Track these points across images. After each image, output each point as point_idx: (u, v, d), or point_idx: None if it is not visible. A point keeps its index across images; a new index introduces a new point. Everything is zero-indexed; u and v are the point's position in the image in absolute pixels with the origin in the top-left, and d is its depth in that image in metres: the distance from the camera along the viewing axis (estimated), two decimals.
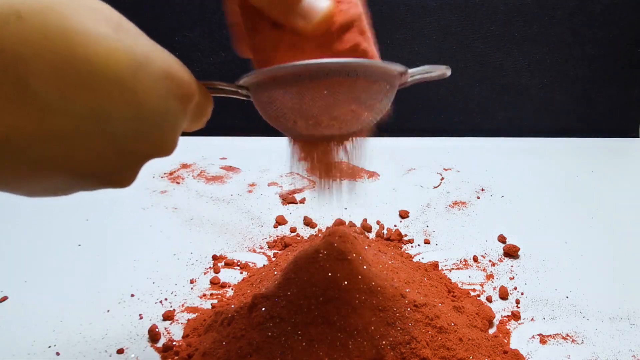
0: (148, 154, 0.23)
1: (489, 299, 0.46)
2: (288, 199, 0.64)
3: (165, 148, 0.24)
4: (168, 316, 0.43)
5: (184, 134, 0.26)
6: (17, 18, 0.17)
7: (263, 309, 0.36)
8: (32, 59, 0.18)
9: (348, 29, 0.26)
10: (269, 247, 0.54)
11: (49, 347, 0.39)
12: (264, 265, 0.50)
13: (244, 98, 0.29)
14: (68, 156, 0.20)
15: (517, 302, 0.45)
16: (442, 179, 0.71)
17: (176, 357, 0.38)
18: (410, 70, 0.29)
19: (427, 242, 0.55)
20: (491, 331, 0.42)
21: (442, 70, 0.30)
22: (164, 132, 0.23)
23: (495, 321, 0.43)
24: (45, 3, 0.18)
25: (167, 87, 0.22)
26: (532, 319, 0.43)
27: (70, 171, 0.21)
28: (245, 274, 0.49)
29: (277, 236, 0.56)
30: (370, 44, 0.27)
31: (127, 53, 0.20)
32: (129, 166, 0.23)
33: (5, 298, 0.45)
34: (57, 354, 0.39)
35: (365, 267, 0.37)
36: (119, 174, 0.23)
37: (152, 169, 0.71)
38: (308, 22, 0.25)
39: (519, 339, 0.41)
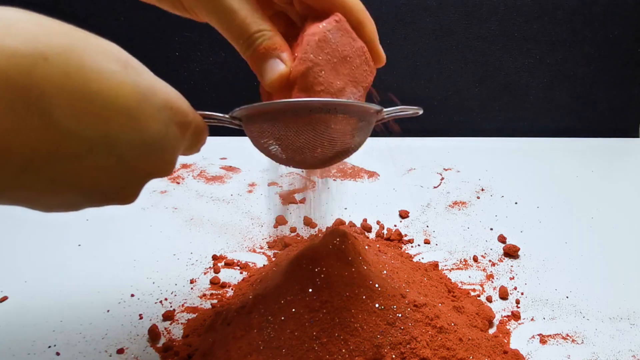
0: (150, 174, 0.27)
1: (489, 299, 0.46)
2: (288, 199, 0.64)
3: (165, 168, 0.27)
4: (168, 316, 0.43)
5: None
6: (44, 60, 0.20)
7: (263, 309, 0.36)
8: (56, 94, 0.21)
9: (292, 87, 0.30)
10: (269, 247, 0.54)
11: (49, 347, 0.39)
12: (264, 265, 0.50)
13: (237, 127, 0.33)
14: (81, 174, 0.23)
15: (517, 302, 0.45)
16: (442, 179, 0.71)
17: (176, 357, 0.38)
18: (385, 110, 0.34)
19: (427, 242, 0.55)
20: (491, 331, 0.42)
21: (414, 110, 0.35)
22: (165, 154, 0.27)
23: (495, 321, 0.43)
24: (66, 46, 0.21)
25: (168, 115, 0.26)
26: (532, 319, 0.43)
27: (82, 188, 0.24)
28: (245, 274, 0.49)
29: (277, 236, 0.56)
30: (317, 96, 0.30)
31: (133, 87, 0.23)
32: (133, 184, 0.26)
33: (5, 298, 0.45)
34: (57, 354, 0.39)
35: (365, 267, 0.37)
36: (123, 191, 0.26)
37: None
38: (266, 82, 0.30)
39: (519, 339, 0.41)
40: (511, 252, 0.52)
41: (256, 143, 0.33)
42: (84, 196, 0.25)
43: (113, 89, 0.22)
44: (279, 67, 0.30)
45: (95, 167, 0.23)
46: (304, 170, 0.38)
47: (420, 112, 0.35)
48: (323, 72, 0.30)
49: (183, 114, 0.27)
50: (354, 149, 0.34)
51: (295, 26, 0.34)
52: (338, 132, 0.31)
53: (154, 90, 0.25)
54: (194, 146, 0.31)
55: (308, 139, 0.31)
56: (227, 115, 0.32)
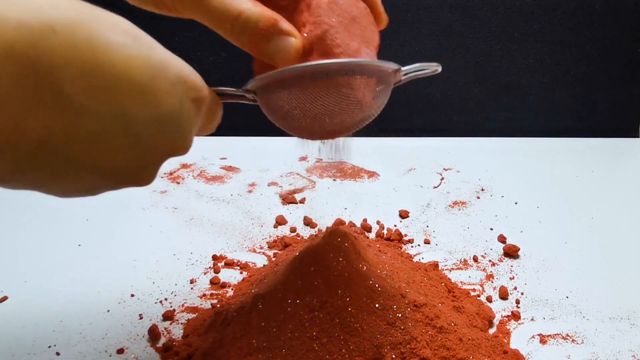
0: (167, 153, 0.26)
1: (489, 299, 0.46)
2: (288, 199, 0.64)
3: (182, 146, 0.26)
4: (168, 316, 0.43)
5: None
6: (52, 32, 0.20)
7: (263, 309, 0.36)
8: (65, 67, 0.20)
9: (310, 53, 0.29)
10: (269, 247, 0.54)
11: (49, 347, 0.39)
12: (264, 265, 0.50)
13: (251, 102, 0.31)
14: (96, 156, 0.23)
15: (517, 302, 0.45)
16: (442, 179, 0.71)
17: (176, 357, 0.38)
18: (404, 68, 0.32)
19: (427, 242, 0.55)
20: (491, 331, 0.42)
21: (433, 67, 0.33)
22: (181, 131, 0.26)
23: (495, 321, 0.43)
24: (74, 18, 0.20)
25: (182, 90, 0.25)
26: (532, 319, 0.43)
27: (98, 170, 0.23)
28: (245, 274, 0.49)
29: (277, 236, 0.56)
30: (339, 55, 0.29)
31: (145, 60, 0.23)
32: (150, 165, 0.26)
33: (5, 298, 0.45)
34: (57, 354, 0.39)
35: (365, 267, 0.37)
36: (141, 172, 0.25)
37: None
38: (280, 62, 0.29)
39: (519, 339, 0.41)
40: (511, 252, 0.52)
41: (272, 115, 0.32)
42: (101, 178, 0.24)
43: (124, 63, 0.22)
44: (289, 42, 0.28)
45: (112, 146, 0.23)
46: (321, 141, 0.36)
47: (440, 69, 0.34)
48: (339, 34, 0.29)
49: (197, 88, 0.26)
50: (374, 113, 0.32)
51: None
52: (357, 94, 0.30)
53: (167, 64, 0.24)
54: (208, 124, 0.30)
55: (327, 104, 0.29)
56: (240, 89, 0.30)
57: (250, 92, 0.30)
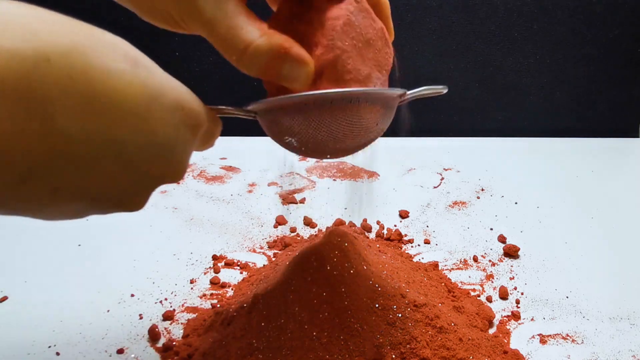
0: (159, 179, 0.25)
1: (489, 299, 0.46)
2: (288, 199, 0.64)
3: (175, 173, 0.26)
4: (168, 316, 0.43)
5: None
6: (46, 61, 0.19)
7: (263, 309, 0.36)
8: (59, 98, 0.19)
9: (320, 76, 0.28)
10: (269, 247, 0.54)
11: (49, 347, 0.39)
12: (264, 265, 0.50)
13: (251, 118, 0.31)
14: (86, 182, 0.22)
15: (517, 302, 0.45)
16: (442, 179, 0.71)
17: (176, 357, 0.38)
18: (409, 92, 0.31)
19: (427, 242, 0.55)
20: (491, 331, 0.42)
21: (439, 90, 0.32)
22: (174, 158, 0.25)
23: (495, 321, 0.43)
24: (69, 44, 0.20)
25: (178, 117, 0.24)
26: (532, 319, 0.43)
27: (88, 196, 0.22)
28: (245, 274, 0.49)
29: (277, 236, 0.56)
30: (347, 86, 0.28)
31: (142, 87, 0.22)
32: (141, 191, 0.25)
33: (5, 298, 0.45)
34: (57, 354, 0.39)
35: (365, 267, 0.37)
36: (132, 198, 0.25)
37: None
38: (294, 85, 0.28)
39: (519, 339, 0.41)
40: (511, 252, 0.52)
41: (273, 136, 0.31)
42: (90, 204, 0.23)
43: (120, 90, 0.21)
44: (301, 69, 0.27)
45: (102, 173, 0.22)
46: (316, 159, 0.35)
47: (445, 91, 0.33)
48: (351, 60, 0.28)
49: (195, 115, 0.25)
50: (378, 135, 0.32)
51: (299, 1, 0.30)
52: (361, 121, 0.29)
53: (164, 90, 0.23)
54: (206, 143, 0.29)
55: (330, 131, 0.29)
56: (241, 110, 0.30)
57: (252, 112, 0.30)
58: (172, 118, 0.24)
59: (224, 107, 0.29)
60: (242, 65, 0.27)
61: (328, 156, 0.32)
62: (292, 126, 0.29)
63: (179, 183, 0.67)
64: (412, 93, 0.32)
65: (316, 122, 0.28)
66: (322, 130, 0.29)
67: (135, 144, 0.22)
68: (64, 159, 0.20)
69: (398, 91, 0.30)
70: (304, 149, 0.31)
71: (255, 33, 0.26)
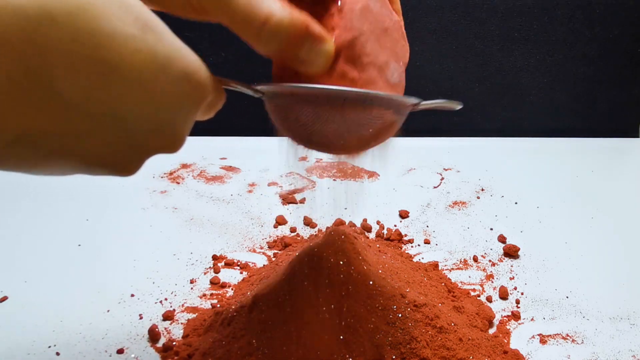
0: (157, 149, 0.24)
1: (489, 299, 0.46)
2: (288, 199, 0.64)
3: (174, 144, 0.25)
4: (168, 316, 0.43)
5: None
6: (51, 21, 0.17)
7: (263, 308, 0.36)
8: (60, 62, 0.18)
9: (337, 59, 0.27)
10: (269, 247, 0.54)
11: (49, 347, 0.39)
12: (264, 265, 0.50)
13: (257, 97, 0.30)
14: (82, 149, 0.21)
15: (517, 302, 0.45)
16: (442, 179, 0.71)
17: (176, 357, 0.38)
18: (423, 103, 0.31)
19: (427, 242, 0.55)
20: (491, 331, 0.42)
21: (454, 105, 0.32)
22: (175, 130, 0.24)
23: (495, 321, 0.43)
24: (78, 4, 0.18)
25: (183, 88, 0.23)
26: (532, 319, 0.43)
27: (82, 161, 0.22)
28: (245, 274, 0.49)
29: (277, 236, 0.56)
30: (364, 69, 0.28)
31: (150, 55, 0.20)
32: (137, 158, 0.24)
33: (5, 298, 0.45)
34: (57, 354, 0.39)
35: (365, 267, 0.37)
36: (126, 164, 0.24)
37: (152, 169, 0.71)
38: (313, 68, 0.26)
39: (519, 339, 0.41)
40: (511, 252, 0.52)
41: (276, 122, 0.30)
42: (83, 167, 0.22)
43: (127, 58, 0.19)
44: (321, 48, 0.26)
45: (99, 141, 0.21)
46: (316, 159, 0.34)
47: (458, 107, 0.32)
48: (369, 43, 0.27)
49: (201, 86, 0.24)
50: (382, 141, 0.31)
51: None
52: (370, 124, 0.28)
53: (173, 59, 0.22)
54: (206, 114, 0.28)
55: (337, 128, 0.28)
56: (249, 87, 0.28)
57: (259, 92, 0.29)
58: (177, 89, 0.22)
59: (231, 80, 0.28)
60: (260, 41, 0.25)
61: (327, 152, 0.31)
62: (299, 116, 0.28)
63: (177, 182, 0.67)
64: (426, 104, 0.31)
65: (324, 117, 0.27)
66: (329, 126, 0.28)
67: (137, 115, 0.21)
68: (61, 125, 0.19)
69: (413, 100, 0.29)
70: (304, 140, 0.30)
71: (276, 5, 0.24)
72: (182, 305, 0.44)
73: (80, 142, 0.20)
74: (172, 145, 0.25)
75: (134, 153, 0.23)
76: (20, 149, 0.19)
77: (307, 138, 0.30)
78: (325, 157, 0.33)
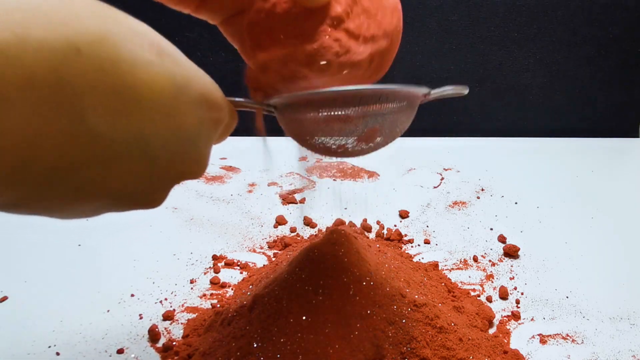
0: (182, 175, 0.24)
1: (489, 299, 0.46)
2: (288, 199, 0.64)
3: (198, 169, 0.25)
4: (168, 316, 0.43)
5: None
6: (76, 52, 0.17)
7: (263, 308, 0.36)
8: (88, 93, 0.18)
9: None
10: (269, 247, 0.54)
11: (49, 347, 0.39)
12: (264, 265, 0.50)
13: (268, 113, 0.30)
14: (108, 180, 0.20)
15: (517, 302, 0.45)
16: (442, 179, 0.71)
17: (176, 357, 0.38)
18: (433, 91, 0.31)
19: (427, 242, 0.55)
20: (491, 331, 0.42)
21: (460, 90, 0.32)
22: (198, 154, 0.24)
23: (495, 321, 0.43)
24: (99, 32, 0.18)
25: (203, 110, 0.23)
26: (532, 319, 0.43)
27: (109, 194, 0.21)
28: (245, 274, 0.49)
29: (277, 236, 0.56)
30: (357, 37, 0.28)
31: (169, 79, 0.21)
32: (163, 187, 0.24)
33: (5, 298, 0.45)
34: (57, 354, 0.39)
35: (365, 267, 0.37)
36: (153, 194, 0.24)
37: None
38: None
39: (519, 339, 0.41)
40: (511, 252, 0.52)
41: (292, 134, 0.31)
42: (110, 203, 0.22)
43: (148, 83, 0.20)
44: None
45: (126, 170, 0.21)
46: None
47: (466, 91, 0.32)
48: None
49: (218, 108, 0.24)
50: (397, 134, 0.31)
51: None
52: (385, 118, 0.29)
53: (191, 81, 0.22)
54: (222, 136, 0.28)
55: (353, 128, 0.28)
56: (261, 104, 0.29)
57: (271, 107, 0.29)
58: (197, 111, 0.23)
59: (243, 99, 0.28)
60: None
61: (348, 155, 0.32)
62: (315, 123, 0.28)
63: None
64: (435, 92, 0.31)
65: (341, 119, 0.28)
66: (346, 127, 0.28)
67: (161, 140, 0.21)
68: (91, 158, 0.19)
69: (424, 90, 0.30)
70: (323, 147, 0.30)
71: None
72: (182, 305, 0.44)
73: (107, 172, 0.20)
74: (196, 169, 0.25)
75: (160, 181, 0.23)
76: (53, 186, 0.19)
77: (326, 145, 0.30)
78: (326, 157, 0.33)
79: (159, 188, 0.24)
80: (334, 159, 0.75)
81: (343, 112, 0.28)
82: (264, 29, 0.28)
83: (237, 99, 0.28)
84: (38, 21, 0.17)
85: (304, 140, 0.30)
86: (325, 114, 0.28)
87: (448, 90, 0.32)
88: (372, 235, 0.57)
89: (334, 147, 0.30)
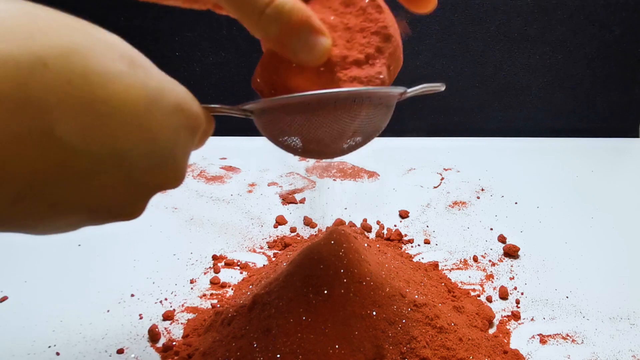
0: (159, 185, 0.24)
1: (489, 299, 0.46)
2: (288, 199, 0.64)
3: (175, 179, 0.25)
4: (168, 316, 0.43)
5: None
6: (43, 66, 0.17)
7: (263, 308, 0.36)
8: (57, 106, 0.18)
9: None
10: (269, 247, 0.54)
11: (49, 347, 0.39)
12: (264, 265, 0.50)
13: (245, 117, 0.30)
14: (84, 194, 0.20)
15: (517, 302, 0.45)
16: (442, 179, 0.71)
17: (176, 357, 0.38)
18: (409, 90, 0.31)
19: (427, 242, 0.55)
20: (491, 331, 0.42)
21: (437, 87, 0.32)
22: (175, 164, 0.24)
23: (495, 321, 0.43)
24: (67, 45, 0.18)
25: (178, 120, 0.23)
26: (532, 319, 0.43)
27: (85, 209, 0.21)
28: (245, 274, 0.49)
29: (277, 236, 0.56)
30: (367, 67, 0.28)
31: (141, 90, 0.20)
32: (140, 198, 0.24)
33: (5, 298, 0.45)
34: (57, 354, 0.39)
35: (365, 267, 0.37)
36: (131, 207, 0.23)
37: None
38: (308, 58, 0.26)
39: (519, 339, 0.41)
40: (511, 252, 0.52)
41: (269, 137, 0.31)
42: (86, 217, 0.22)
43: (120, 94, 0.19)
44: (321, 41, 0.26)
45: (101, 185, 0.20)
46: (312, 159, 0.34)
47: (442, 88, 0.32)
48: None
49: (194, 116, 0.24)
50: (375, 134, 0.32)
51: None
52: (362, 120, 0.29)
53: (164, 91, 0.22)
54: (200, 143, 0.28)
55: (330, 129, 0.28)
56: (237, 109, 0.29)
57: (248, 112, 0.29)
58: (172, 121, 0.22)
59: (218, 105, 0.28)
60: (259, 24, 0.25)
61: (325, 156, 0.32)
62: (292, 127, 0.29)
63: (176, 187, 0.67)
64: (411, 91, 0.32)
65: (317, 122, 0.28)
66: (322, 131, 0.28)
67: (136, 152, 0.21)
68: (64, 172, 0.19)
69: (399, 89, 0.30)
70: (300, 150, 0.31)
71: None
72: (182, 305, 0.44)
73: (83, 186, 0.20)
74: (173, 179, 0.24)
75: (137, 192, 0.23)
76: (26, 203, 0.19)
77: (301, 147, 0.30)
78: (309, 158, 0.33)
79: (136, 200, 0.23)
80: (322, 162, 0.75)
81: (319, 116, 0.28)
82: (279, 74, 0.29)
83: (212, 105, 0.28)
84: (3, 37, 0.16)
85: (281, 142, 0.31)
86: (302, 117, 0.28)
87: (424, 87, 0.32)
88: (372, 235, 0.57)
89: (311, 148, 0.30)
